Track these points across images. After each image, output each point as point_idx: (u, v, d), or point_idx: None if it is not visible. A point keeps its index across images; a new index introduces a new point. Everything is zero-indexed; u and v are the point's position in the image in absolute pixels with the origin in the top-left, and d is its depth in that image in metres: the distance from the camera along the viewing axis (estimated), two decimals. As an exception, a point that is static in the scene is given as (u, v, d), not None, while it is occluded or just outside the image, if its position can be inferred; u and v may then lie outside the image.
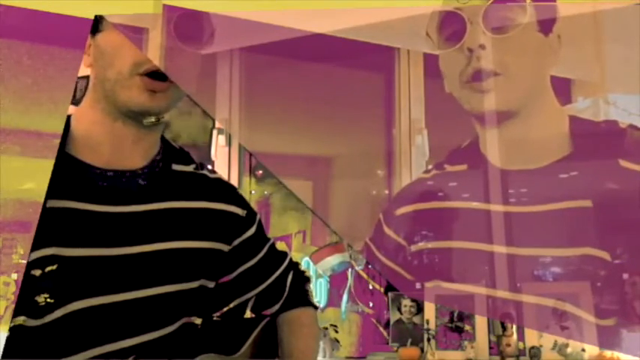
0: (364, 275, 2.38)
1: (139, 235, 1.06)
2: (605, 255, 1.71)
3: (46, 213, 1.00)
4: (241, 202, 1.25)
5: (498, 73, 1.79)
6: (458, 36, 1.81)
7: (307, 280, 1.34)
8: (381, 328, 2.13)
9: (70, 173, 1.04)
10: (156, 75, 1.06)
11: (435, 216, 1.95)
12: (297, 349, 1.23)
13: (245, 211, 1.24)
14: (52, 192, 1.01)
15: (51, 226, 1.00)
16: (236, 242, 1.22)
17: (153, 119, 1.09)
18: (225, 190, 1.23)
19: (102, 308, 1.01)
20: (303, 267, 1.37)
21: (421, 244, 1.97)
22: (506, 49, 1.79)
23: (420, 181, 2.17)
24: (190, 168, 1.19)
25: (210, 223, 1.16)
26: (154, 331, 1.06)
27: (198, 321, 1.13)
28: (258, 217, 1.28)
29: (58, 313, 0.98)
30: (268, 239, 1.29)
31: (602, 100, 2.04)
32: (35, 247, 0.98)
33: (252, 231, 1.25)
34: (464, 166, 1.95)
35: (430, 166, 2.13)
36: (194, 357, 1.11)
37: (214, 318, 1.23)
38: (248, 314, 1.28)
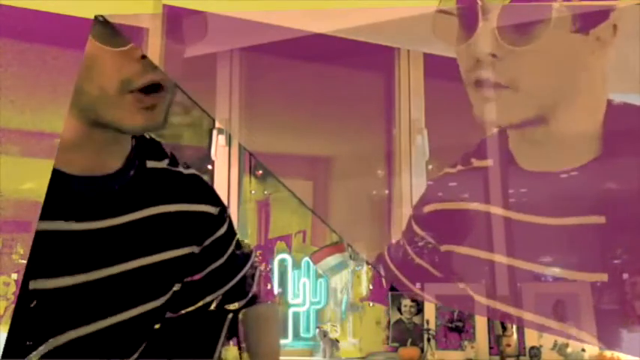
0: (365, 275, 2.37)
1: (114, 255, 1.03)
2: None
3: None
4: (214, 199, 1.23)
5: (506, 87, 1.61)
6: (470, 30, 1.63)
7: (263, 273, 1.36)
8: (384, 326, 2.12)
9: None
10: (149, 88, 1.00)
11: (461, 214, 1.89)
12: (264, 343, 1.24)
13: (218, 209, 1.21)
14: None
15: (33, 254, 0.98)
16: (207, 242, 1.19)
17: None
18: (199, 188, 1.21)
19: (83, 338, 1.00)
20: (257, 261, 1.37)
21: (450, 245, 1.91)
22: (522, 62, 1.60)
23: (446, 176, 2.09)
24: (164, 164, 1.15)
25: (185, 228, 1.14)
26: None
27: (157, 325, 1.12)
28: (228, 212, 1.26)
29: (42, 350, 0.97)
30: (235, 234, 1.28)
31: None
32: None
33: (223, 229, 1.23)
34: (491, 161, 1.89)
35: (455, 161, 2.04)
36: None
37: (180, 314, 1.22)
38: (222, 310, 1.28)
